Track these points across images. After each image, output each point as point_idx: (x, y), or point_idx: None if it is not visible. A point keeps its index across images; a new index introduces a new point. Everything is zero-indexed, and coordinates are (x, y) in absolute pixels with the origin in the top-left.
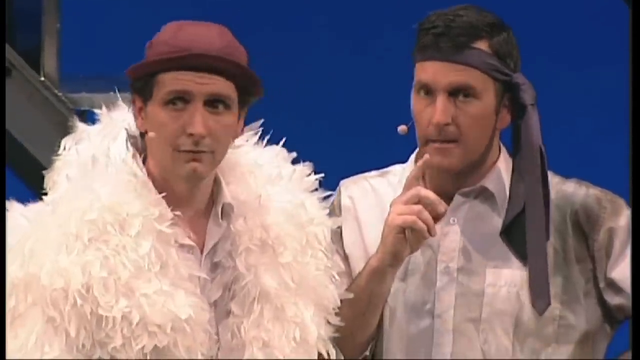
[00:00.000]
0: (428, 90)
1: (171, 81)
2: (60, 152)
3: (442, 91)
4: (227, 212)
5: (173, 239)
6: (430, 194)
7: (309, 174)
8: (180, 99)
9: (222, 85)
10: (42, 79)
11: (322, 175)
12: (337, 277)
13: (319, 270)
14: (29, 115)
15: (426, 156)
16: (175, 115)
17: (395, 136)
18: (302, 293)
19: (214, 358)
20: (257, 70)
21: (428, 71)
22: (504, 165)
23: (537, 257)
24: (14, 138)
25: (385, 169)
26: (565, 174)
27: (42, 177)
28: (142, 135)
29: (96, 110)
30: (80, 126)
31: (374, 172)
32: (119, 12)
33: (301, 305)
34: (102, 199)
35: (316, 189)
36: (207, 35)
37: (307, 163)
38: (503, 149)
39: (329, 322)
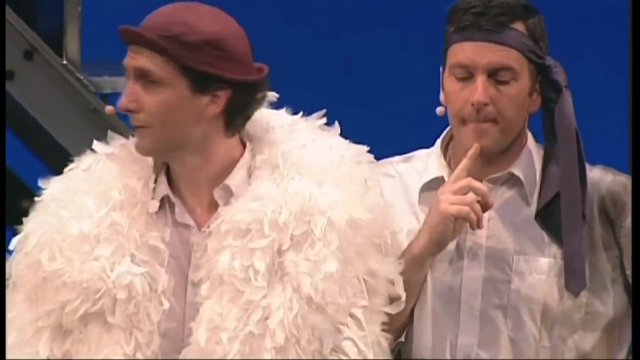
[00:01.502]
0: (466, 71)
1: (126, 59)
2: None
3: (481, 71)
4: (224, 195)
5: (144, 209)
6: (482, 186)
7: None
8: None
9: (143, 60)
10: (64, 62)
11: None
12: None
13: (309, 261)
14: (51, 99)
15: (476, 146)
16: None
17: (421, 121)
18: (281, 280)
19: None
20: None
21: (467, 51)
22: (532, 150)
23: (573, 239)
24: (36, 121)
25: (409, 154)
26: None
27: (64, 160)
28: None
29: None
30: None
31: (398, 157)
32: None
33: (277, 291)
34: (92, 171)
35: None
36: (164, 14)
37: None
38: (530, 135)
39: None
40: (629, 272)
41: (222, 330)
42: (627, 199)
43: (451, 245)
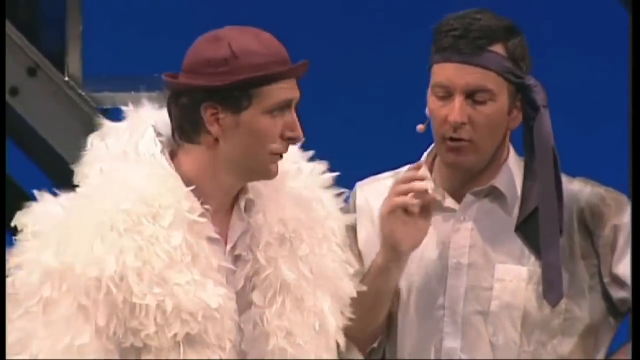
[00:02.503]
0: (445, 91)
1: (279, 91)
2: (88, 147)
3: (459, 92)
4: (248, 207)
5: (202, 231)
6: (414, 174)
7: (325, 172)
8: (281, 107)
9: (298, 90)
10: (66, 79)
11: (338, 173)
12: (351, 271)
13: (335, 262)
14: (53, 114)
15: (418, 163)
16: (274, 121)
17: (409, 135)
18: (320, 284)
19: (238, 347)
20: None
21: (446, 72)
22: (513, 164)
23: (551, 253)
24: (39, 135)
25: (397, 170)
26: (566, 172)
27: (67, 173)
28: (186, 131)
29: (122, 108)
30: (106, 123)
31: (387, 173)
32: (138, 16)
33: (319, 296)
34: (136, 190)
35: (331, 186)
36: (279, 42)
37: (321, 161)
38: (512, 149)
39: (343, 314)
40: (607, 280)
41: (294, 336)
42: (605, 210)
43: (435, 255)
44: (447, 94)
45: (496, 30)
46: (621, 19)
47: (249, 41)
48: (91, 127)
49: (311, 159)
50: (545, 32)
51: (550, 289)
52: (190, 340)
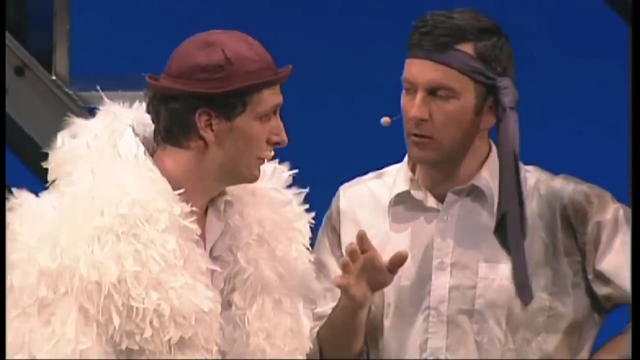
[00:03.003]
0: (411, 86)
1: (270, 97)
2: (59, 145)
3: (421, 88)
4: (226, 208)
5: (191, 234)
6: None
7: (285, 171)
8: (272, 112)
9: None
10: (54, 78)
11: (296, 171)
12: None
13: (305, 264)
14: (41, 113)
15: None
16: (264, 127)
17: (396, 135)
18: (293, 286)
19: (220, 348)
20: None
21: (411, 68)
22: (494, 164)
23: (517, 255)
24: (26, 134)
25: (381, 171)
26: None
27: None
28: (173, 134)
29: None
30: (76, 121)
31: (370, 175)
32: (126, 15)
33: (294, 297)
34: (132, 194)
35: (291, 186)
36: (263, 48)
37: (280, 161)
38: (494, 148)
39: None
40: (591, 276)
41: (274, 337)
42: (588, 207)
43: (419, 255)
44: (413, 90)
45: (466, 29)
46: (622, 22)
47: (241, 47)
48: None
49: (273, 160)
50: (545, 34)
51: (522, 290)
52: (182, 343)
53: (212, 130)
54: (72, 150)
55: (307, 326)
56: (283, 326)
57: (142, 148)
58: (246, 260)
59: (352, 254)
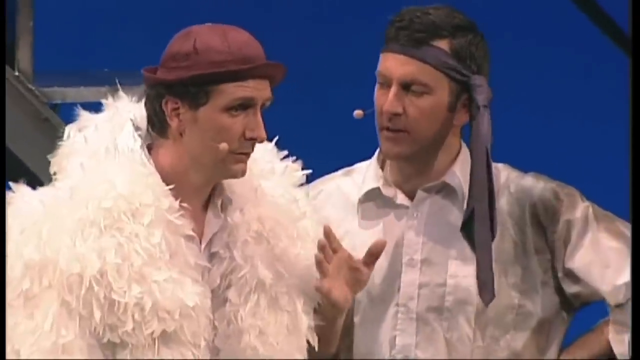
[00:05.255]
0: (385, 80)
1: (236, 89)
2: (65, 138)
3: (395, 82)
4: (225, 205)
5: (180, 229)
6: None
7: (297, 170)
8: (241, 105)
9: (269, 91)
10: (17, 74)
11: (310, 171)
12: None
13: (308, 261)
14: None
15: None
16: (234, 120)
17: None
18: (294, 284)
19: (211, 343)
20: None
21: (385, 62)
22: (465, 161)
23: (484, 253)
24: None
25: (350, 167)
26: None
27: (17, 167)
28: (155, 125)
29: (102, 101)
30: (85, 114)
31: (340, 172)
32: (90, 11)
33: (293, 295)
34: (117, 188)
35: (303, 184)
36: (251, 41)
37: (295, 159)
38: (464, 146)
39: (315, 312)
40: (560, 274)
41: (267, 335)
42: (558, 205)
43: (389, 251)
44: (387, 84)
45: (442, 26)
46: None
47: (213, 38)
48: (41, 121)
49: (285, 158)
50: (542, 34)
51: (484, 289)
52: (166, 338)
53: (179, 120)
54: (71, 144)
55: (306, 324)
56: (279, 324)
57: (139, 142)
58: (243, 257)
59: (322, 249)
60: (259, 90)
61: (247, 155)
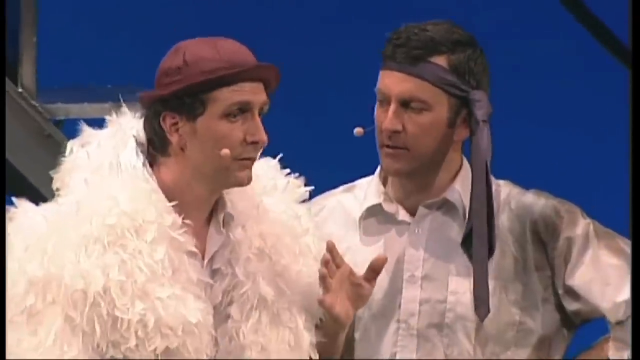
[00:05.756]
0: (384, 98)
1: (231, 94)
2: (67, 154)
3: (394, 99)
4: (227, 221)
5: (183, 246)
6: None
7: (301, 186)
8: (239, 110)
9: (265, 94)
10: (20, 90)
11: (312, 187)
12: None
13: (311, 278)
14: (7, 125)
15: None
16: (234, 126)
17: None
18: (295, 300)
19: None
20: None
21: (384, 80)
22: (466, 177)
23: (480, 268)
24: None
25: (351, 184)
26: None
27: (19, 182)
28: (156, 144)
29: (106, 117)
30: (87, 130)
31: (341, 188)
32: (93, 27)
33: (295, 311)
34: (120, 204)
35: (305, 200)
36: (242, 49)
37: (298, 175)
38: (466, 161)
39: (317, 328)
40: (561, 291)
41: (269, 352)
42: (559, 221)
43: (390, 268)
44: (386, 102)
45: (440, 42)
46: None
47: (203, 49)
48: (44, 138)
49: (289, 174)
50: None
51: (480, 305)
52: (168, 354)
53: (179, 134)
54: (74, 160)
55: (308, 340)
56: (280, 340)
57: (141, 159)
58: (245, 274)
59: (326, 264)
60: (255, 93)
61: (252, 160)
